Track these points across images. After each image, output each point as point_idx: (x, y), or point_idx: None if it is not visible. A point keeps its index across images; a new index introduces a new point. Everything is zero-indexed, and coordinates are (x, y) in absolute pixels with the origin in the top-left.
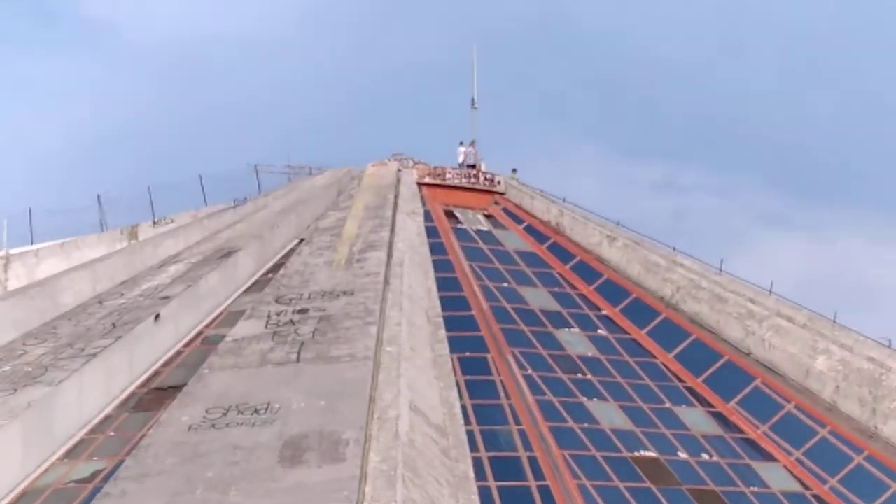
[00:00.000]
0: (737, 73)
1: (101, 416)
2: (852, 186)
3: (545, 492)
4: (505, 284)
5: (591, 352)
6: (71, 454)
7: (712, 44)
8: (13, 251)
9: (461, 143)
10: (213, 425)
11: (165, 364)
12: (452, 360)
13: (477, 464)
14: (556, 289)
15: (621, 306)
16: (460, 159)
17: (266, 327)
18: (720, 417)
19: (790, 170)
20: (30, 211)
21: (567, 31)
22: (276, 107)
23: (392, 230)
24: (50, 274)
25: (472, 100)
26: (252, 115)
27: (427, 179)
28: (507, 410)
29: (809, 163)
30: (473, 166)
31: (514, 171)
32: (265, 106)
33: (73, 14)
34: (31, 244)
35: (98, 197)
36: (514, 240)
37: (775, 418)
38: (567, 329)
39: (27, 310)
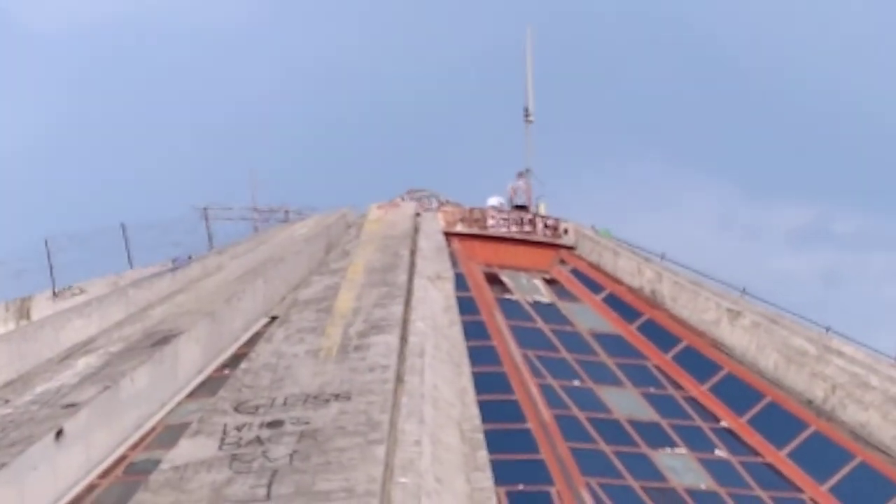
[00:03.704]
0: None
1: None
2: None
3: None
4: (576, 383)
5: (704, 483)
6: None
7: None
8: None
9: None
10: None
11: None
12: (498, 495)
13: None
14: (652, 389)
15: (750, 415)
16: (491, 202)
17: (221, 448)
18: None
19: None
20: None
21: (668, 21)
22: (235, 123)
23: (407, 303)
24: None
25: (526, 110)
26: (201, 134)
27: (459, 228)
28: None
29: None
30: (524, 207)
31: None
32: (219, 121)
33: None
34: None
35: None
36: (589, 316)
37: None
38: (669, 449)
39: None
